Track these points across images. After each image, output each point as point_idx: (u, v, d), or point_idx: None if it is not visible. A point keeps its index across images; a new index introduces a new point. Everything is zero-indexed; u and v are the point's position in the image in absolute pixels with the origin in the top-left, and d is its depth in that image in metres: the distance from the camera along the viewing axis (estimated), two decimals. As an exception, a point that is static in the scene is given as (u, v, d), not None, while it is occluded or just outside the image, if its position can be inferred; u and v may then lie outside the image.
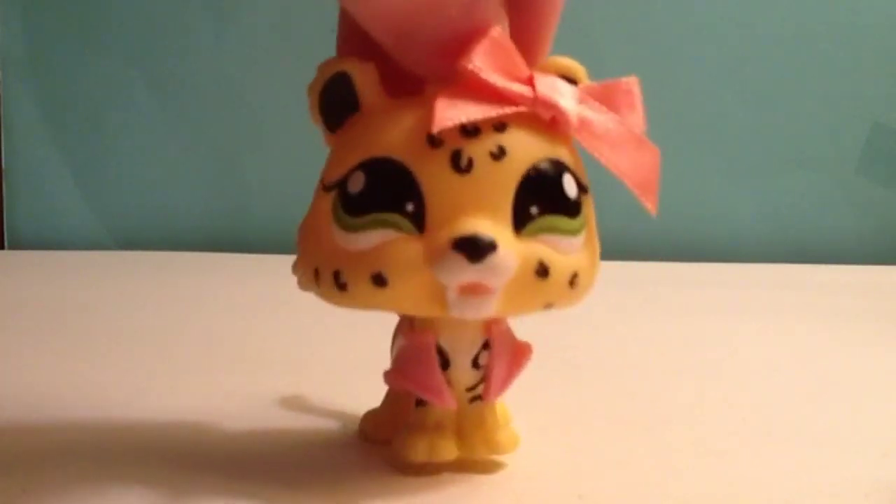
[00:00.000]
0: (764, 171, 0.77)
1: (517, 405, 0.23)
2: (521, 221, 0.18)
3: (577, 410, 0.27)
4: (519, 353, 0.20)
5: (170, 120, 0.79)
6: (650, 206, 0.18)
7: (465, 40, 0.17)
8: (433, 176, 0.17)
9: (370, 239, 0.18)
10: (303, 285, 0.19)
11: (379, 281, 0.17)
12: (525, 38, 0.19)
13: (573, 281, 0.18)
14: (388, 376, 0.21)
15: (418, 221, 0.17)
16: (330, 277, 0.18)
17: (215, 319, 0.43)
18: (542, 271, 0.18)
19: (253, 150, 0.79)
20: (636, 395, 0.30)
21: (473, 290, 0.17)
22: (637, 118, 0.19)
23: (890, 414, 0.28)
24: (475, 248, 0.17)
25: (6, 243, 0.80)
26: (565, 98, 0.18)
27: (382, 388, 0.23)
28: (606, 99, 0.19)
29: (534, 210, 0.18)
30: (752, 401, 0.29)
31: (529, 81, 0.18)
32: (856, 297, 0.54)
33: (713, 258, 0.73)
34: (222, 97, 0.79)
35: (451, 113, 0.17)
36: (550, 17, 0.19)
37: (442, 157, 0.17)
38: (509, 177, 0.18)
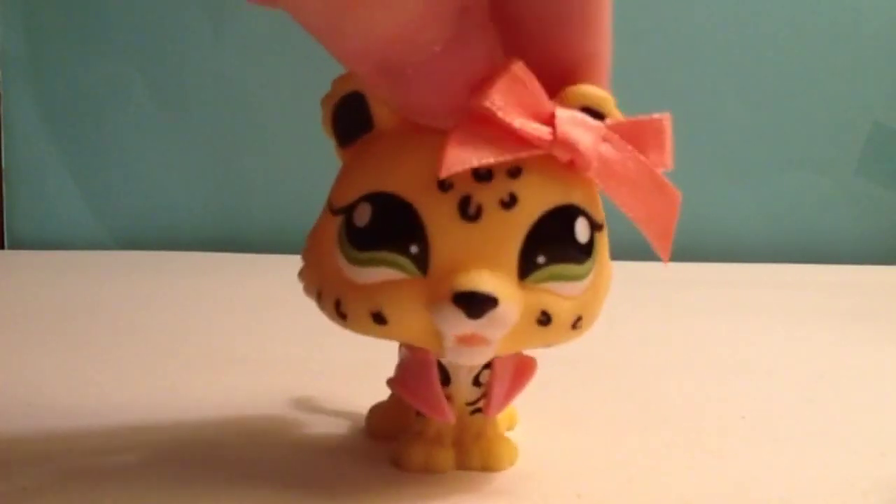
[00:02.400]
0: (764, 171, 0.77)
1: (516, 405, 0.23)
2: (526, 270, 0.17)
3: (577, 410, 0.27)
4: (522, 369, 0.20)
5: (170, 120, 0.79)
6: (663, 254, 0.18)
7: (461, 77, 0.16)
8: (440, 221, 0.17)
9: (373, 275, 0.17)
10: (308, 293, 0.19)
11: (378, 319, 0.17)
12: (559, 65, 0.17)
13: (576, 324, 0.18)
14: (391, 384, 0.21)
15: (422, 264, 0.17)
16: (332, 304, 0.18)
17: (215, 319, 0.43)
18: (545, 320, 0.17)
19: (253, 150, 0.79)
20: (636, 394, 0.30)
21: (470, 341, 0.17)
22: (664, 157, 0.17)
23: (889, 413, 0.28)
24: (475, 305, 0.16)
25: (6, 243, 0.80)
26: (586, 137, 0.17)
27: (383, 388, 0.23)
28: (634, 136, 0.17)
29: (541, 259, 0.17)
30: (751, 400, 0.29)
31: (550, 120, 0.16)
32: (856, 297, 0.54)
33: (713, 258, 0.73)
34: (222, 97, 0.79)
35: (461, 156, 0.16)
36: (587, 37, 0.18)
37: (450, 203, 0.17)
38: (518, 226, 0.17)
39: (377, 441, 0.23)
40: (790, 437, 0.24)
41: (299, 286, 0.20)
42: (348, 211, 0.18)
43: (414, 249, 0.17)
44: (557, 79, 0.17)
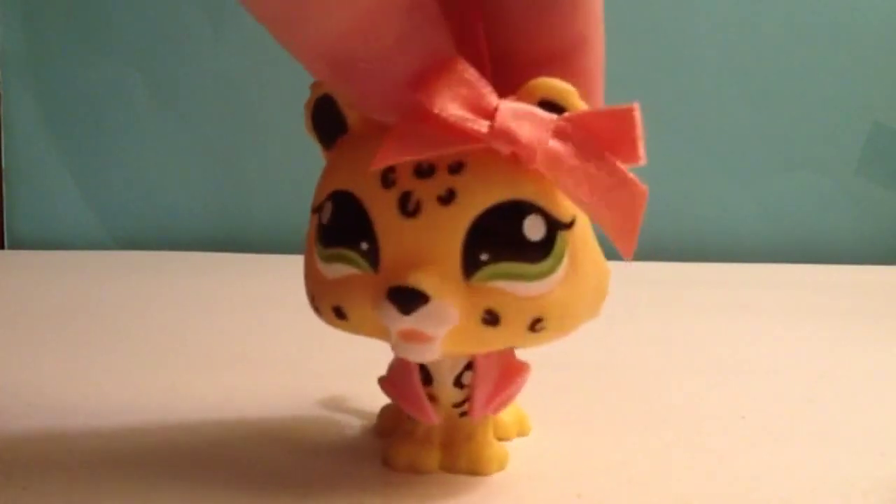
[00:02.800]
0: (764, 171, 0.77)
1: (516, 405, 0.23)
2: (469, 268, 0.17)
3: (577, 410, 0.27)
4: (510, 372, 0.20)
5: (170, 120, 0.79)
6: (625, 251, 0.17)
7: (409, 73, 0.16)
8: (384, 217, 0.17)
9: (335, 271, 0.18)
10: None
11: (339, 313, 0.18)
12: (548, 51, 0.17)
13: (534, 326, 0.17)
14: (382, 384, 0.21)
15: (373, 260, 0.17)
16: (309, 298, 0.19)
17: (215, 319, 0.43)
18: (491, 320, 0.17)
19: (253, 150, 0.79)
20: (636, 394, 0.30)
21: (411, 337, 0.17)
22: (634, 151, 0.16)
23: (889, 413, 0.28)
24: (405, 300, 0.16)
25: (6, 243, 0.80)
26: (528, 130, 0.16)
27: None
28: (598, 129, 0.16)
29: (484, 257, 0.17)
30: (751, 400, 0.29)
31: (493, 114, 0.16)
32: (856, 297, 0.54)
33: (713, 258, 0.73)
34: (222, 98, 0.79)
35: (396, 150, 0.16)
36: (577, 23, 0.17)
37: (392, 199, 0.17)
38: (457, 222, 0.17)
39: (384, 440, 0.23)
40: (790, 437, 0.24)
41: (299, 286, 0.20)
42: (319, 210, 0.18)
43: (364, 246, 0.17)
44: (545, 65, 0.17)
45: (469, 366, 0.20)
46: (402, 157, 0.16)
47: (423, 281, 0.16)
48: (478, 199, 0.17)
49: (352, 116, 0.18)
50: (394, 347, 0.17)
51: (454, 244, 0.17)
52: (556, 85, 0.17)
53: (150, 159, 0.80)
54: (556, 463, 0.22)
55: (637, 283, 0.55)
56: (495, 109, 0.16)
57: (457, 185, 0.17)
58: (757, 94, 0.76)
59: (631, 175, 0.16)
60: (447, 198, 0.17)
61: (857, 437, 0.25)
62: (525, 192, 0.17)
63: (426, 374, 0.20)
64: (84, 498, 0.19)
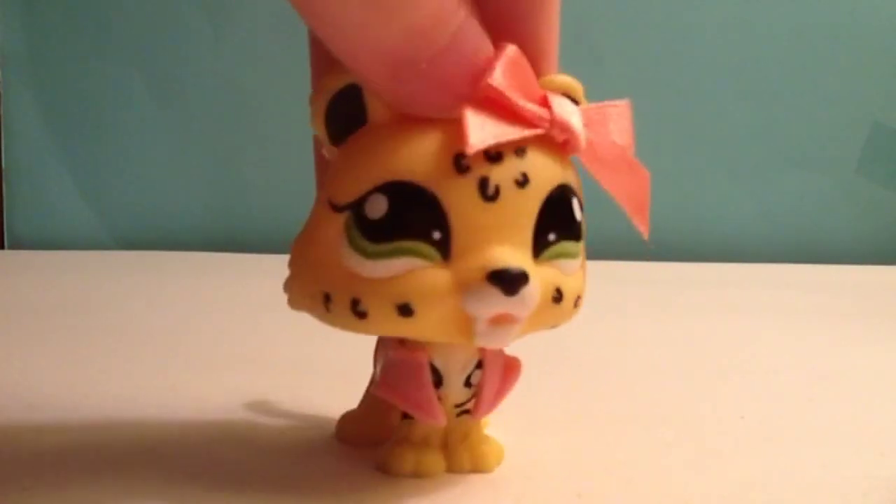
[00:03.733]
0: (764, 171, 0.77)
1: (516, 404, 0.23)
2: (539, 248, 0.17)
3: (577, 410, 0.27)
4: (509, 370, 0.20)
5: (170, 120, 0.79)
6: (643, 228, 0.18)
7: (457, 71, 0.16)
8: (461, 204, 0.17)
9: (394, 267, 0.17)
10: (296, 305, 0.19)
11: (405, 311, 0.17)
12: (530, 55, 0.18)
13: (577, 302, 0.19)
14: (377, 390, 0.21)
15: (444, 249, 0.17)
16: (346, 305, 0.17)
17: (215, 319, 0.43)
18: (558, 297, 0.18)
19: (253, 150, 0.79)
20: (635, 394, 0.30)
21: (502, 321, 0.17)
22: (628, 142, 0.18)
23: (889, 413, 0.28)
24: (510, 281, 0.16)
25: (6, 243, 0.80)
26: (577, 120, 0.17)
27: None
28: (601, 121, 0.18)
29: (551, 237, 0.18)
30: (751, 400, 0.29)
31: (545, 102, 0.17)
32: (856, 297, 0.54)
33: (713, 258, 0.73)
34: (222, 97, 0.79)
35: (482, 134, 0.16)
36: (548, 30, 0.18)
37: (470, 185, 0.17)
38: (532, 204, 0.17)
39: (353, 447, 0.23)
40: (790, 437, 0.25)
41: (289, 305, 0.19)
42: (357, 205, 0.17)
43: (437, 235, 0.17)
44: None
45: (479, 364, 0.20)
46: (489, 141, 0.16)
47: (520, 261, 0.17)
48: (545, 182, 0.17)
49: (378, 108, 0.18)
50: (476, 336, 0.17)
51: (529, 225, 0.17)
52: (570, 81, 0.18)
53: (149, 159, 0.80)
54: (556, 462, 0.22)
55: (637, 283, 0.55)
56: (544, 97, 0.17)
57: (527, 169, 0.17)
58: (757, 94, 0.76)
59: (636, 160, 0.18)
60: (523, 181, 0.17)
61: (857, 437, 0.25)
62: (568, 177, 0.18)
63: (437, 377, 0.20)
64: (84, 498, 0.19)
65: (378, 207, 0.17)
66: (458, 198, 0.17)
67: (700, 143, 0.76)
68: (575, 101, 0.18)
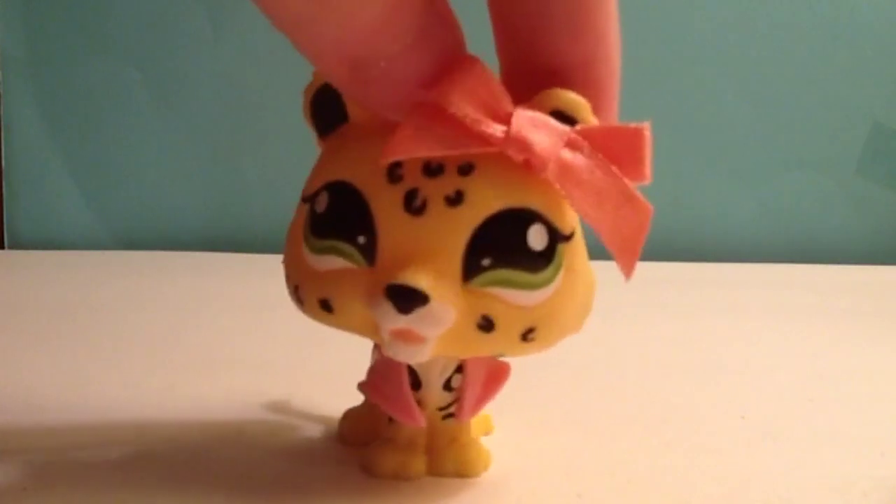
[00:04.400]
0: (764, 171, 0.77)
1: (517, 404, 0.23)
2: (469, 272, 0.16)
3: (576, 410, 0.27)
4: (496, 374, 0.20)
5: (170, 120, 0.79)
6: (626, 270, 0.17)
7: (427, 72, 0.16)
8: (386, 212, 0.17)
9: (325, 263, 0.17)
10: (286, 283, 0.19)
11: (325, 306, 0.17)
12: (548, 70, 0.17)
13: (526, 336, 0.17)
14: (363, 388, 0.21)
15: (369, 255, 0.17)
16: (292, 288, 0.18)
17: (215, 319, 0.43)
18: (486, 325, 0.17)
19: (253, 150, 0.79)
20: (635, 394, 0.30)
21: (404, 337, 0.16)
22: (641, 170, 0.17)
23: (889, 413, 0.28)
24: (404, 299, 0.16)
25: (6, 243, 0.80)
26: (543, 139, 0.16)
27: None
28: (607, 144, 0.16)
29: (486, 262, 0.16)
30: (751, 400, 0.29)
31: (508, 119, 0.16)
32: (856, 297, 0.54)
33: (713, 258, 0.73)
34: (222, 97, 0.79)
35: (407, 145, 0.16)
36: (578, 46, 0.17)
37: (397, 195, 0.16)
38: (463, 224, 0.16)
39: (351, 447, 0.22)
40: (790, 437, 0.24)
41: None
42: (312, 199, 0.18)
43: (361, 240, 0.17)
44: (546, 84, 0.17)
45: (458, 368, 0.20)
46: (414, 152, 0.16)
47: (422, 280, 0.16)
48: (486, 202, 0.16)
49: (355, 108, 0.18)
50: (384, 346, 0.17)
51: (457, 246, 0.16)
52: (570, 96, 0.17)
53: (150, 159, 0.80)
54: (556, 463, 0.22)
55: (637, 283, 0.55)
56: (510, 115, 0.16)
57: (466, 187, 0.16)
58: (757, 94, 0.76)
59: (637, 193, 0.16)
60: (455, 199, 0.16)
61: (857, 437, 0.25)
62: (531, 201, 0.17)
63: (415, 378, 0.20)
64: (84, 498, 0.19)
65: (321, 203, 0.17)
66: (385, 206, 0.17)
67: (700, 143, 0.76)
68: (571, 120, 0.17)
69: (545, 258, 0.17)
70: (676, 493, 0.20)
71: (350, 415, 0.23)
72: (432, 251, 0.16)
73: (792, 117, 0.76)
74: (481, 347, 0.17)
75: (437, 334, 0.16)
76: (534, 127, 0.16)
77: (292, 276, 0.18)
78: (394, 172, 0.17)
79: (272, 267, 0.24)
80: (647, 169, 0.17)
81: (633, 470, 0.21)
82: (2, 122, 0.79)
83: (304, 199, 0.18)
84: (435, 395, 0.20)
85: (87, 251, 0.75)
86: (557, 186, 0.16)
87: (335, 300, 0.17)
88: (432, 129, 0.16)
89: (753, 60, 0.76)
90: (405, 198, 0.16)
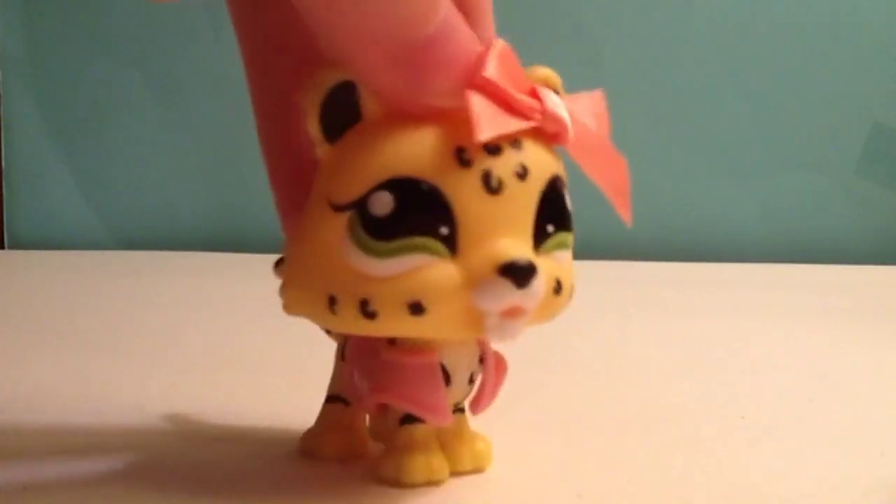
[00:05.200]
0: (764, 171, 0.77)
1: (517, 404, 0.23)
2: (539, 240, 0.18)
3: (576, 410, 0.27)
4: (500, 365, 0.20)
5: (170, 120, 0.79)
6: (626, 215, 0.18)
7: (453, 58, 0.17)
8: (466, 198, 0.17)
9: (402, 265, 0.17)
10: (293, 309, 0.18)
11: (416, 309, 0.17)
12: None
13: (572, 293, 0.19)
14: (378, 396, 0.20)
15: (451, 244, 0.17)
16: (354, 306, 0.17)
17: (215, 319, 0.43)
18: (558, 288, 0.18)
19: (253, 151, 0.78)
20: (635, 394, 0.30)
21: (513, 314, 0.17)
22: (607, 126, 0.19)
23: (889, 413, 0.28)
24: (521, 274, 0.16)
25: (6, 243, 0.80)
26: (564, 111, 0.17)
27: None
28: (580, 111, 0.18)
29: (550, 228, 0.18)
30: (751, 400, 0.29)
31: (535, 94, 0.17)
32: (856, 297, 0.54)
33: (713, 258, 0.73)
34: (222, 97, 0.79)
35: (496, 122, 0.16)
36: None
37: (474, 178, 0.17)
38: (532, 196, 0.17)
39: (323, 463, 0.21)
40: (790, 437, 0.25)
41: (284, 310, 0.19)
42: (360, 204, 0.17)
43: (444, 230, 0.17)
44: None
45: (479, 361, 0.20)
46: (504, 128, 0.16)
47: (525, 252, 0.17)
48: (542, 174, 0.17)
49: (372, 107, 0.17)
50: (488, 331, 0.17)
51: (530, 217, 0.17)
52: (552, 73, 0.18)
53: (150, 159, 0.80)
54: (556, 462, 0.22)
55: (637, 283, 0.55)
56: (533, 90, 0.17)
57: (526, 161, 0.17)
58: (757, 94, 0.76)
59: (613, 147, 0.18)
60: (523, 173, 0.17)
61: (857, 437, 0.25)
62: (560, 169, 0.18)
63: (446, 376, 0.19)
64: (84, 498, 0.19)
65: (383, 205, 0.17)
66: (463, 192, 0.17)
67: (700, 143, 0.76)
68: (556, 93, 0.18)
69: (573, 219, 0.18)
70: (676, 493, 0.20)
71: (311, 434, 0.22)
72: (513, 226, 0.17)
73: (792, 117, 0.76)
74: (552, 311, 0.18)
75: (537, 304, 0.17)
76: (556, 102, 0.17)
77: (348, 292, 0.17)
78: (462, 157, 0.17)
79: (272, 267, 0.24)
80: (608, 128, 0.19)
81: (633, 470, 0.21)
82: (2, 122, 0.80)
83: (340, 207, 0.17)
84: (460, 390, 0.20)
85: (87, 251, 0.75)
86: (572, 152, 0.18)
87: (429, 298, 0.17)
88: (496, 108, 0.17)
89: (753, 60, 0.76)
90: (483, 179, 0.17)
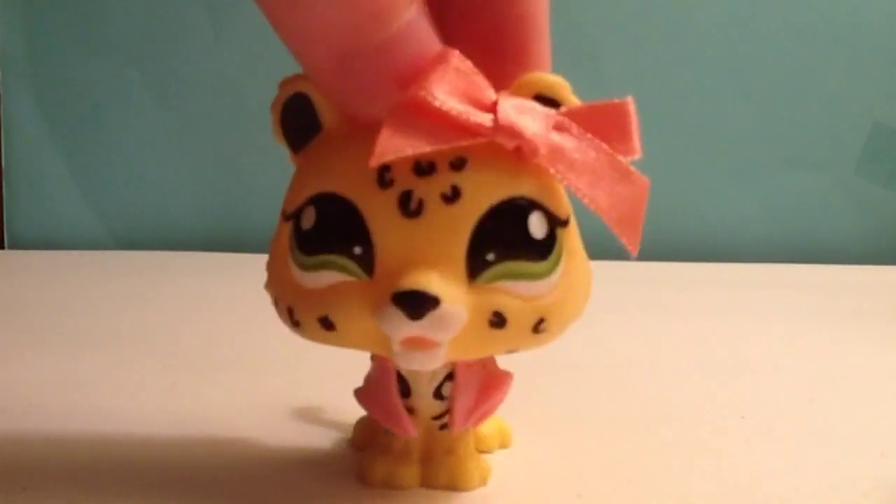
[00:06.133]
0: (764, 171, 0.77)
1: (517, 405, 0.23)
2: (475, 269, 0.16)
3: (577, 410, 0.27)
4: (493, 383, 0.19)
5: (169, 120, 0.79)
6: (631, 245, 0.16)
7: (409, 65, 0.16)
8: (381, 218, 0.16)
9: (320, 279, 0.17)
10: (274, 305, 0.19)
11: (326, 324, 0.17)
12: (501, 54, 0.17)
13: (538, 327, 0.17)
14: (358, 396, 0.20)
15: (367, 265, 0.16)
16: (285, 311, 0.17)
17: (215, 319, 0.43)
18: (498, 322, 0.16)
19: (253, 150, 0.79)
20: (635, 394, 0.30)
21: (417, 344, 0.16)
22: (629, 145, 0.16)
23: (889, 413, 0.28)
24: (415, 305, 0.15)
25: (6, 243, 0.80)
26: (532, 124, 0.16)
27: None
28: (593, 123, 0.16)
29: (490, 257, 0.16)
30: (751, 400, 0.29)
31: (493, 108, 0.16)
32: (856, 297, 0.54)
33: (713, 258, 0.73)
34: (222, 97, 0.79)
35: (395, 144, 0.15)
36: (528, 24, 0.17)
37: (391, 199, 0.16)
38: (463, 221, 0.16)
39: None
40: (790, 437, 0.24)
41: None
42: (296, 215, 0.17)
43: (357, 250, 0.16)
44: (497, 51, 0.17)
45: (449, 376, 0.19)
46: (403, 151, 0.15)
47: (431, 283, 0.15)
48: (483, 196, 0.16)
49: (329, 115, 0.17)
50: (395, 358, 0.16)
51: (460, 244, 0.16)
52: (549, 79, 0.17)
53: (149, 159, 0.80)
54: (556, 463, 0.22)
55: (637, 283, 0.55)
56: (494, 104, 0.16)
57: (461, 182, 0.16)
58: (757, 94, 0.76)
59: (631, 167, 0.16)
60: (452, 196, 0.16)
61: (857, 437, 0.25)
62: (527, 189, 0.16)
63: (405, 386, 0.19)
64: (84, 498, 0.19)
65: (308, 219, 0.17)
66: (379, 212, 0.16)
67: (700, 143, 0.76)
68: (555, 103, 0.17)
69: (547, 246, 0.17)
70: (676, 493, 0.20)
71: (360, 421, 0.23)
72: (434, 253, 0.16)
73: (792, 117, 0.76)
74: (495, 345, 0.17)
75: (450, 337, 0.16)
76: (520, 113, 0.16)
77: (283, 298, 0.17)
78: (384, 176, 0.16)
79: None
80: (636, 143, 0.16)
81: (633, 470, 0.21)
82: (2, 122, 0.79)
83: (286, 217, 0.17)
84: (426, 403, 0.19)
85: (87, 251, 0.75)
86: (551, 171, 0.16)
87: (336, 317, 0.16)
88: (418, 125, 0.15)
89: (753, 60, 0.76)
90: (400, 201, 0.16)
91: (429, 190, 0.16)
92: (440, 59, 0.16)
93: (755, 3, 0.76)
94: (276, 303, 0.18)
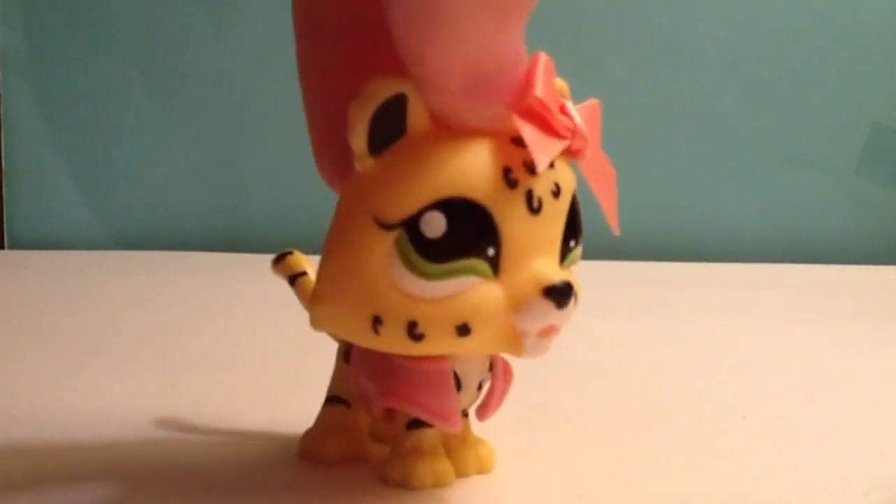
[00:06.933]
0: (764, 171, 0.77)
1: (517, 404, 0.23)
2: (563, 255, 0.18)
3: (576, 410, 0.27)
4: (507, 372, 0.20)
5: (169, 120, 0.79)
6: (614, 226, 0.19)
7: (512, 83, 0.16)
8: (512, 218, 0.17)
9: (452, 287, 0.16)
10: (325, 325, 0.18)
11: (463, 331, 0.16)
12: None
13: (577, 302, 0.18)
14: (388, 401, 0.20)
15: (495, 265, 0.17)
16: (401, 328, 0.16)
17: (215, 319, 0.43)
18: (576, 302, 0.18)
19: (253, 150, 0.79)
20: (635, 394, 0.30)
21: (548, 332, 0.17)
22: (599, 139, 0.19)
23: (889, 413, 0.28)
24: (563, 295, 0.17)
25: (6, 243, 0.80)
26: (586, 129, 0.17)
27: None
28: (585, 122, 0.18)
29: (572, 243, 0.18)
30: (751, 400, 0.29)
31: (564, 111, 0.17)
32: (856, 297, 0.54)
33: (713, 258, 0.73)
34: (222, 97, 0.79)
35: (545, 146, 0.16)
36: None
37: (519, 199, 0.17)
38: (563, 214, 0.18)
39: (323, 465, 0.21)
40: (790, 437, 0.25)
41: (312, 325, 0.18)
42: (410, 223, 0.16)
43: (491, 252, 0.17)
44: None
45: (489, 368, 0.20)
46: (554, 153, 0.17)
47: (566, 274, 0.17)
48: (568, 190, 0.18)
49: (422, 119, 0.17)
50: (526, 349, 0.17)
51: (560, 234, 0.18)
52: (564, 84, 0.18)
53: (149, 159, 0.80)
54: (556, 463, 0.22)
55: (637, 284, 0.55)
56: (563, 106, 0.17)
57: (558, 179, 0.17)
58: (757, 94, 0.76)
59: (605, 158, 0.19)
60: (557, 192, 0.17)
61: (857, 437, 0.25)
62: (575, 183, 0.18)
63: (457, 383, 0.19)
64: (83, 498, 0.19)
65: (436, 225, 0.16)
66: (510, 213, 0.17)
67: (700, 143, 0.76)
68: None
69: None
70: (676, 493, 0.20)
71: (315, 433, 0.22)
72: (546, 244, 0.17)
73: (792, 117, 0.76)
74: (567, 322, 0.18)
75: (567, 322, 0.17)
76: (582, 119, 0.17)
77: (394, 314, 0.17)
78: (509, 177, 0.17)
79: (271, 264, 0.24)
80: (599, 139, 0.19)
81: (633, 470, 0.21)
82: (2, 122, 0.80)
83: (391, 226, 0.16)
84: (469, 396, 0.20)
85: (87, 251, 0.75)
86: (582, 166, 0.18)
87: (475, 320, 0.16)
88: (540, 131, 0.17)
89: (753, 60, 0.76)
90: (527, 200, 0.17)
91: (542, 187, 0.17)
92: (536, 60, 0.17)
93: (755, 4, 0.76)
94: (380, 322, 0.17)
